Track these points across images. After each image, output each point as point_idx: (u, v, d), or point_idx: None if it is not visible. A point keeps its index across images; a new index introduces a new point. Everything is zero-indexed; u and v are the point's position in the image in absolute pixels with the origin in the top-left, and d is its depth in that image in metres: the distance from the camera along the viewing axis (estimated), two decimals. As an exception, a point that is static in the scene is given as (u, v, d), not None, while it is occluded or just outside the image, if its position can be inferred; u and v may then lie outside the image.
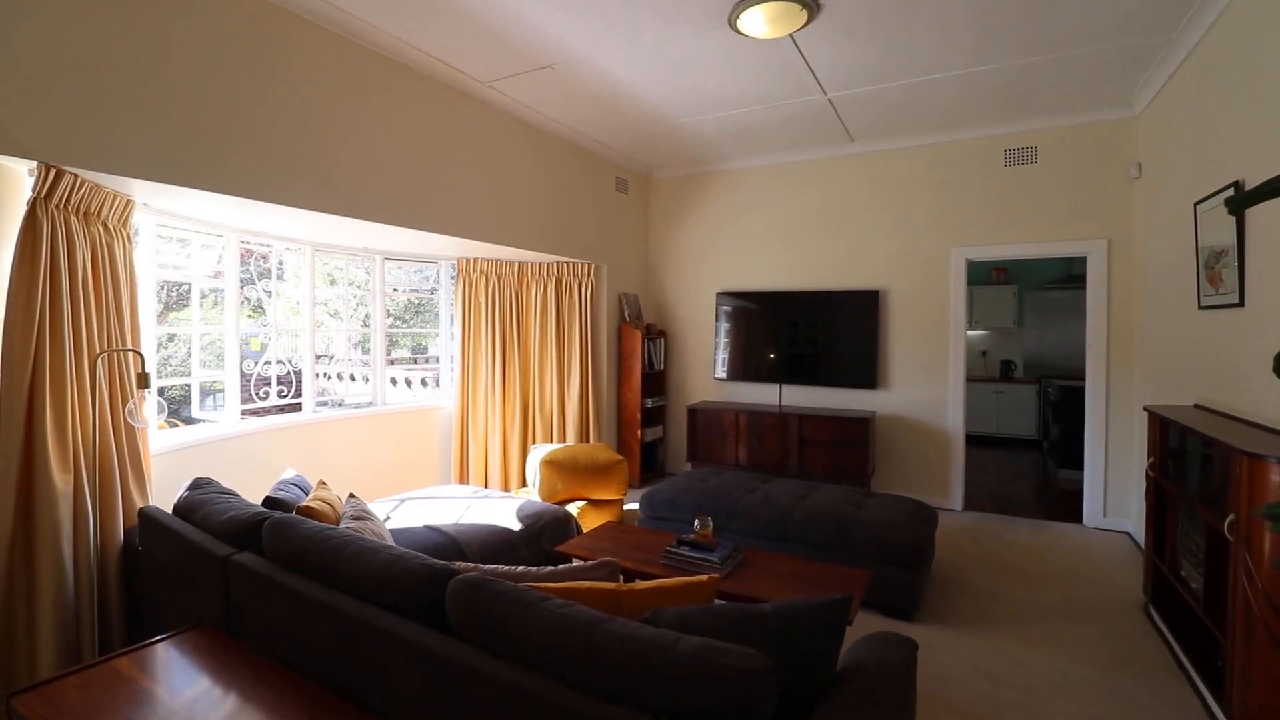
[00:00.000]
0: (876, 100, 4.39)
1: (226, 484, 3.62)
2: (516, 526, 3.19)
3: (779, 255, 5.79)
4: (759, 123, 4.86)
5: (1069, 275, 8.15)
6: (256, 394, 4.18)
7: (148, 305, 3.45)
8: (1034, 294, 8.30)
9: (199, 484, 2.62)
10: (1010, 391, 8.10)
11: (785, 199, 5.75)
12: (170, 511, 2.52)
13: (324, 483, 2.83)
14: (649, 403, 5.91)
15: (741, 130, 5.03)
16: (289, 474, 3.07)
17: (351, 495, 2.67)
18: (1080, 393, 6.19)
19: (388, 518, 3.25)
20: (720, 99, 4.37)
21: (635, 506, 4.99)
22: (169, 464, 3.39)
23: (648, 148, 5.56)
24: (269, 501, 2.63)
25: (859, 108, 4.53)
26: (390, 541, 2.52)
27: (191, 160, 2.75)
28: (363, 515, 2.46)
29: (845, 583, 2.60)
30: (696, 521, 2.89)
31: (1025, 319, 8.37)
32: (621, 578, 1.87)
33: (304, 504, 2.40)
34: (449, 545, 2.89)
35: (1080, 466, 6.03)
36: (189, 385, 4.05)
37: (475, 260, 5.03)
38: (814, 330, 5.53)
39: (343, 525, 2.32)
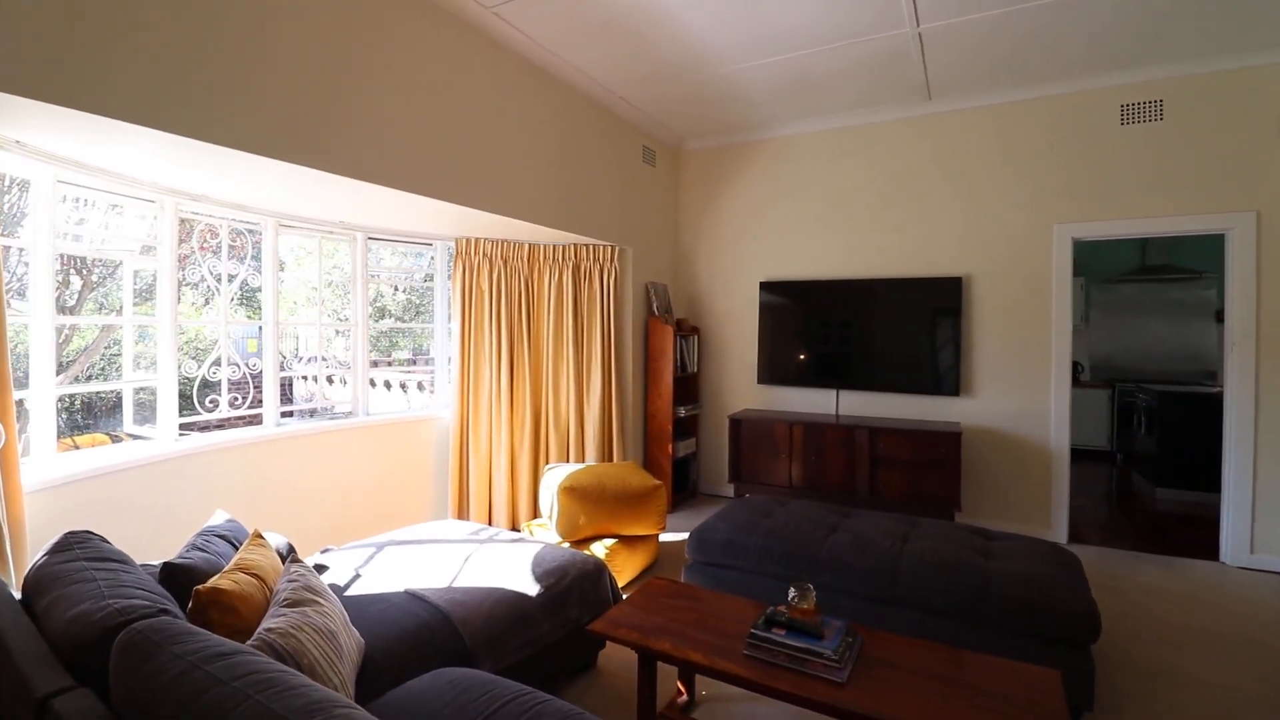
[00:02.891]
0: (971, 35, 3.51)
1: (147, 526, 2.73)
2: (534, 589, 2.32)
3: (834, 238, 4.91)
4: (822, 70, 3.97)
5: (1142, 266, 7.28)
6: (203, 404, 3.33)
7: (41, 282, 2.60)
8: (1101, 287, 7.43)
9: (67, 544, 1.74)
10: (1077, 396, 7.17)
11: (843, 171, 4.87)
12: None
13: (260, 536, 1.96)
14: (681, 412, 5.02)
15: (799, 81, 4.15)
16: (217, 520, 2.20)
17: (293, 559, 1.80)
18: (1183, 400, 5.39)
19: (357, 575, 2.38)
20: (783, 34, 3.49)
21: (671, 538, 4.13)
22: (69, 501, 2.53)
23: (680, 110, 4.68)
24: (169, 572, 1.76)
25: (950, 44, 3.64)
26: (343, 637, 1.65)
27: (81, 70, 1.90)
28: (303, 598, 1.59)
29: (1031, 689, 1.73)
30: (792, 591, 2.02)
31: (1090, 316, 7.50)
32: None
33: (209, 585, 1.53)
34: (439, 626, 2.02)
35: (1188, 486, 5.19)
36: (141, 392, 3.21)
37: (477, 241, 4.16)
38: (878, 326, 4.65)
39: (266, 623, 1.45)
